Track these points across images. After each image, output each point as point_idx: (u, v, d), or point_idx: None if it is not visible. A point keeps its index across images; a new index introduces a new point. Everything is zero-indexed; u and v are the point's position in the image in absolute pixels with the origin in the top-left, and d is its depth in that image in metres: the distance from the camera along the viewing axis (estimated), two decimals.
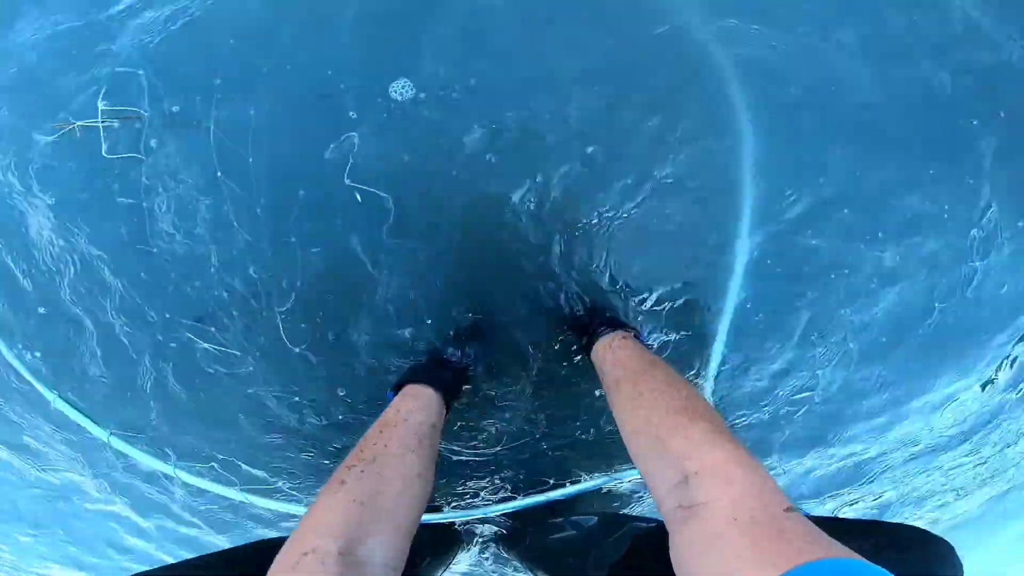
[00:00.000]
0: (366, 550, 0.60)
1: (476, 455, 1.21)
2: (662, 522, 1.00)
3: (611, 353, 0.92)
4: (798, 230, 1.07)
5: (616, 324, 1.01)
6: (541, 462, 1.21)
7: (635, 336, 0.97)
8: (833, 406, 1.24)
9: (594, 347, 0.96)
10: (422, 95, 0.96)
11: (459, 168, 0.99)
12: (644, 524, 1.09)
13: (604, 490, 1.28)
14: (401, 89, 0.96)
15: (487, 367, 1.11)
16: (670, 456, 0.63)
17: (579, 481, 1.21)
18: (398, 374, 1.02)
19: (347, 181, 0.97)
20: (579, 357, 1.12)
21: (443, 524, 1.28)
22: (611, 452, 1.21)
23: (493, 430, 1.18)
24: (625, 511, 1.35)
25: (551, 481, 1.22)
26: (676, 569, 0.55)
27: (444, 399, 0.90)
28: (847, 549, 0.47)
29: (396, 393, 0.90)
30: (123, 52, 0.98)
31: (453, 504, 1.26)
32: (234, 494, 1.22)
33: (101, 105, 0.97)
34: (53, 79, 0.99)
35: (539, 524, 1.23)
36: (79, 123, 0.99)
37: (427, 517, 1.17)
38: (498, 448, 1.19)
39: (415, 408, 0.83)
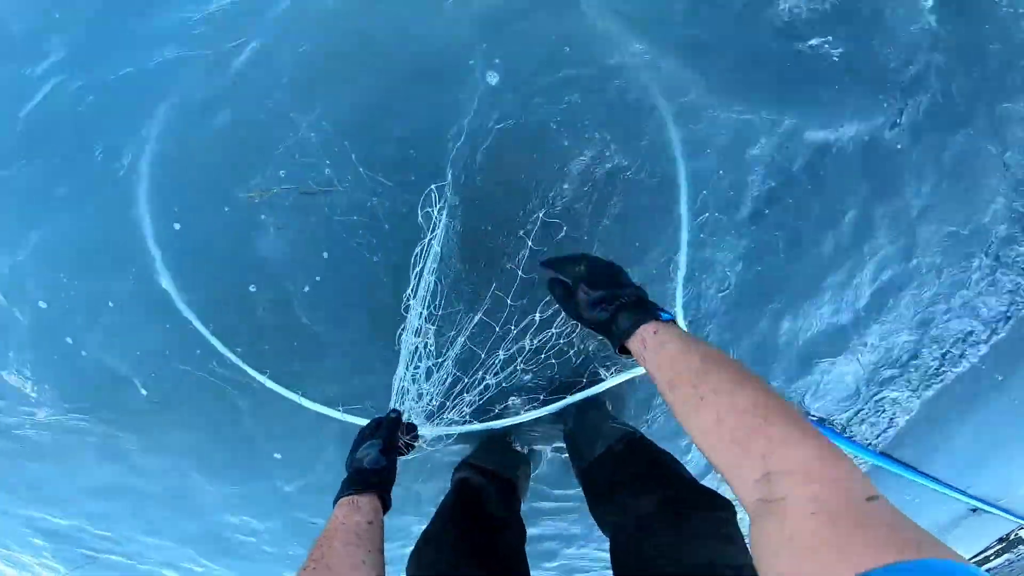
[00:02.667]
0: None
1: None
2: (631, 439, 1.35)
3: (651, 353, 0.84)
4: None
5: (636, 307, 0.90)
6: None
7: (670, 318, 0.89)
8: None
9: (628, 344, 0.89)
10: None
11: None
12: (620, 431, 1.35)
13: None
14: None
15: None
16: (750, 455, 0.62)
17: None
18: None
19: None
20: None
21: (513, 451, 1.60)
22: None
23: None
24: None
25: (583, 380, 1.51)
26: (756, 562, 0.57)
27: (378, 495, 0.98)
28: (933, 540, 0.46)
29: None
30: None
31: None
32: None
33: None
34: None
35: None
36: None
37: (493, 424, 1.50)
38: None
39: (349, 512, 0.92)
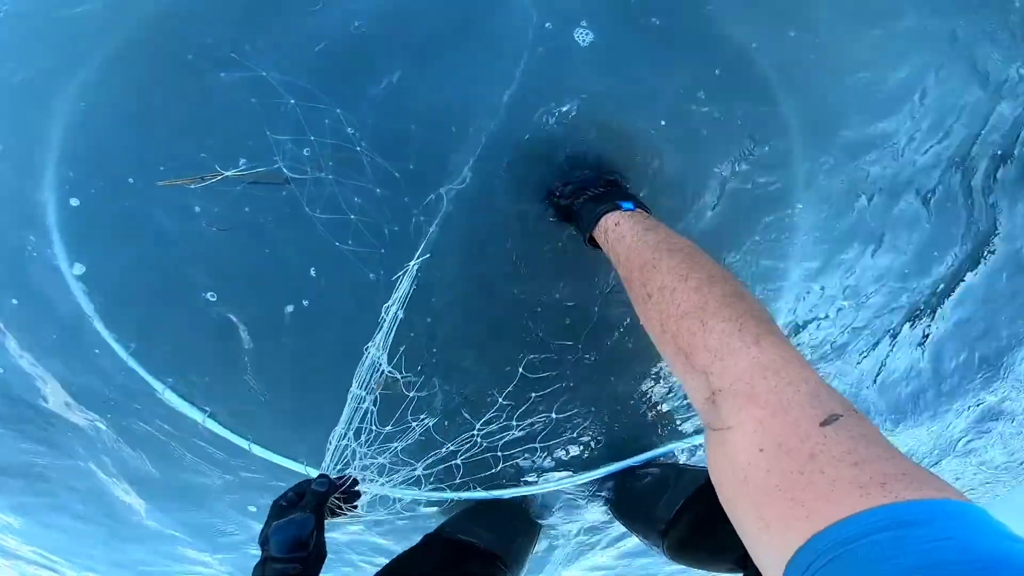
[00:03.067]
0: None
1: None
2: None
3: (610, 247, 0.77)
4: None
5: (601, 198, 0.83)
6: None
7: (634, 207, 0.79)
8: None
9: (595, 238, 0.82)
10: None
11: None
12: (696, 472, 1.11)
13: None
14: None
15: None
16: (695, 371, 0.55)
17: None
18: None
19: None
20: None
21: (522, 511, 1.30)
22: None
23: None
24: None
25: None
26: (718, 493, 0.49)
27: None
28: (901, 469, 0.37)
29: None
30: None
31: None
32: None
33: None
34: None
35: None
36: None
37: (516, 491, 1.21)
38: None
39: None
